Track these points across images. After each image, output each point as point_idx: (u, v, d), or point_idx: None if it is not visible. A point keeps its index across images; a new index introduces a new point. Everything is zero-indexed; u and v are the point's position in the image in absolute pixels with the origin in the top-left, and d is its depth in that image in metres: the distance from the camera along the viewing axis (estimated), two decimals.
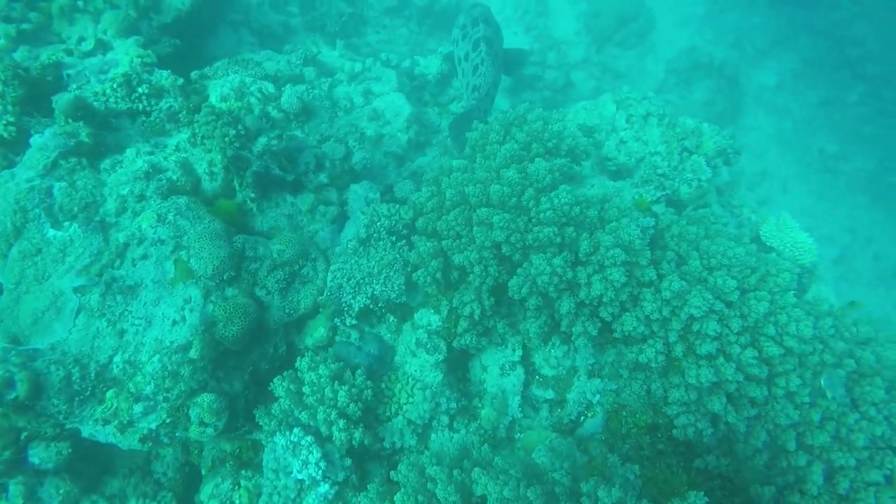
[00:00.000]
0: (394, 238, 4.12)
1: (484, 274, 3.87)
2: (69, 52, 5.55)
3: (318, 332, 3.99)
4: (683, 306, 3.65)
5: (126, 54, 4.65)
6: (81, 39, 5.66)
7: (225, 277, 3.61)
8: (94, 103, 4.16)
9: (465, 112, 5.92)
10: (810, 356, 3.64)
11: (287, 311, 3.89)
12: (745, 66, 13.88)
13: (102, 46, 5.61)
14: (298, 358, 3.81)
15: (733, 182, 6.67)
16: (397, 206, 4.35)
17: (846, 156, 13.65)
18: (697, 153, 5.50)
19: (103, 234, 3.60)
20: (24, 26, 5.50)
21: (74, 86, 4.42)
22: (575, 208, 3.85)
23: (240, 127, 4.00)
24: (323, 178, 4.45)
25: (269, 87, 5.12)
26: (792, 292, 3.88)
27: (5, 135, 4.31)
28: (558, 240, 3.84)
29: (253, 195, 3.97)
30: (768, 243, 5.24)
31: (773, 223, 5.32)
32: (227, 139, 3.95)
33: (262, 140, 4.06)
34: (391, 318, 4.15)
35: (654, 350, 3.71)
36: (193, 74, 5.00)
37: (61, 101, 3.79)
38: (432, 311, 4.12)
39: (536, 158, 4.16)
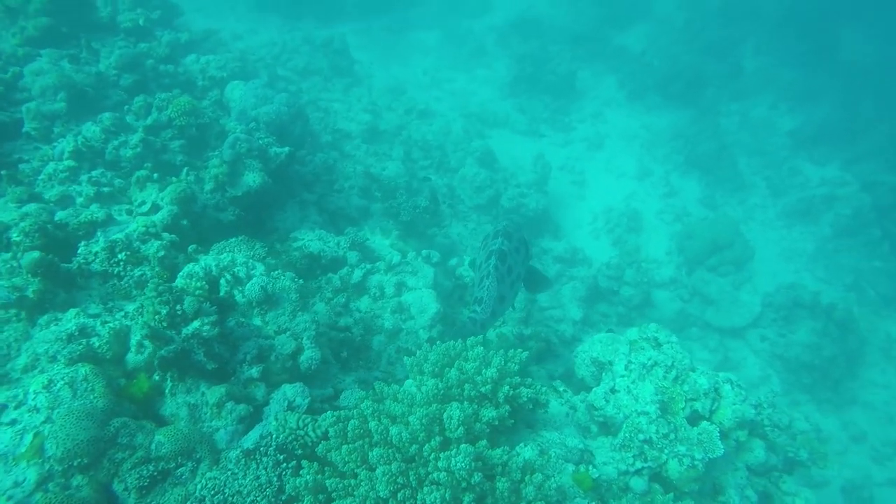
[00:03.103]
0: (282, 457, 3.61)
1: None
2: (129, 213, 6.35)
3: None
4: None
5: (136, 223, 5.13)
6: (143, 203, 6.48)
7: (76, 464, 3.31)
8: (73, 263, 4.51)
9: (461, 325, 5.64)
10: None
11: None
12: (867, 312, 12.12)
13: (155, 209, 6.37)
14: None
15: (795, 461, 5.27)
16: (315, 419, 3.89)
17: None
18: (710, 420, 4.45)
19: None
20: (104, 189, 6.43)
21: (83, 243, 4.89)
22: (475, 475, 3.10)
23: (177, 307, 4.01)
24: (254, 372, 4.20)
25: (260, 269, 5.24)
26: None
27: None
28: None
29: (158, 378, 3.81)
30: None
31: None
32: (157, 317, 3.95)
33: (195, 324, 4.00)
34: None
35: None
36: (190, 248, 5.32)
37: (27, 258, 4.14)
38: None
39: (463, 403, 3.55)
